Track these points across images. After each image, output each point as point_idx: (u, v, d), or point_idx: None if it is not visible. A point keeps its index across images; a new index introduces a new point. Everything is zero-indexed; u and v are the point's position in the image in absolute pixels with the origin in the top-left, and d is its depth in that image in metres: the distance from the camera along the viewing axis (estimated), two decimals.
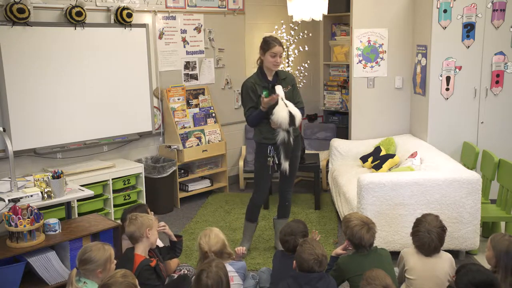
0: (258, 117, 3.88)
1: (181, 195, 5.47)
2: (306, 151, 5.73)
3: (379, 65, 5.48)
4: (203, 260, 3.04)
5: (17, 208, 2.93)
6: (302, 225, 3.26)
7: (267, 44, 3.85)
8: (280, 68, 4.05)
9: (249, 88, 3.91)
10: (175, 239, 3.37)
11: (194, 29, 5.66)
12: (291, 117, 3.79)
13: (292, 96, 3.96)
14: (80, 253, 2.72)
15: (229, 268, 3.06)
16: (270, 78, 3.94)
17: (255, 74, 3.99)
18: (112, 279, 2.46)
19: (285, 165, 3.90)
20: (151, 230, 3.08)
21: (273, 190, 5.57)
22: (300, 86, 6.44)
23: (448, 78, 4.90)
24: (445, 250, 3.14)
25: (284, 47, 6.18)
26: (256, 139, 4.03)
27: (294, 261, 2.85)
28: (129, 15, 4.89)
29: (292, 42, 6.15)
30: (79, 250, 2.77)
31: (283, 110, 3.78)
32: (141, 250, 3.06)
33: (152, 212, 3.55)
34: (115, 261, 2.82)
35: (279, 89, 3.85)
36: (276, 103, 3.79)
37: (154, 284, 3.00)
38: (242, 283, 3.15)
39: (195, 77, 5.74)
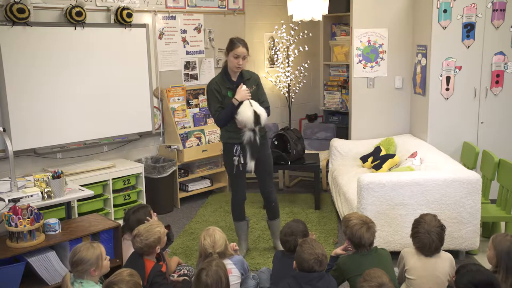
0: (228, 112, 3.84)
1: (181, 195, 5.47)
2: (306, 151, 5.74)
3: (379, 65, 5.48)
4: (203, 260, 3.04)
5: (17, 208, 2.93)
6: (302, 225, 3.26)
7: (231, 44, 3.82)
8: (246, 69, 4.03)
9: (214, 88, 3.88)
10: (166, 231, 3.39)
11: (194, 29, 5.66)
12: (256, 116, 3.78)
13: (257, 95, 3.94)
14: (70, 256, 2.72)
15: (226, 261, 3.10)
16: (234, 79, 3.91)
17: (219, 74, 3.96)
18: (119, 277, 2.46)
19: (251, 165, 3.88)
20: (158, 246, 3.09)
21: None
22: (300, 86, 6.45)
23: (448, 78, 4.91)
24: (445, 250, 3.14)
25: (284, 47, 6.21)
26: (223, 139, 4.02)
27: (294, 261, 2.86)
28: (129, 15, 4.89)
29: (292, 42, 6.15)
30: None
31: (248, 110, 3.78)
32: (149, 257, 3.08)
33: (155, 213, 3.55)
34: (107, 257, 2.82)
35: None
36: (241, 103, 3.80)
37: None
38: (239, 275, 3.16)
39: (195, 77, 5.74)
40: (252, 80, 3.96)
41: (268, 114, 3.97)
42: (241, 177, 4.05)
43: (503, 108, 4.99)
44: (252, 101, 3.84)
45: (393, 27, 5.39)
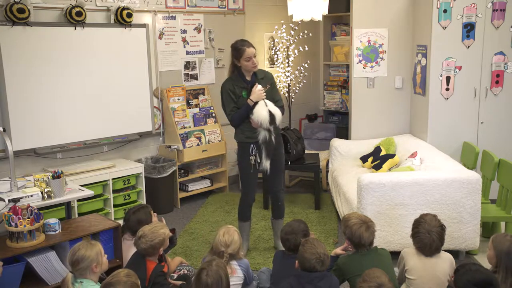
0: (244, 113, 3.86)
1: (181, 195, 5.47)
2: (306, 151, 5.74)
3: (379, 65, 5.48)
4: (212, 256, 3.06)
5: (17, 208, 2.93)
6: (303, 225, 3.27)
7: (239, 50, 3.82)
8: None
9: (229, 89, 3.90)
10: (171, 234, 3.39)
11: (194, 29, 5.66)
12: (271, 116, 3.80)
13: (271, 94, 3.95)
14: (69, 256, 2.72)
15: (233, 262, 3.11)
16: (248, 78, 3.93)
17: (233, 75, 3.96)
18: (116, 278, 2.45)
19: (266, 164, 3.90)
20: (162, 247, 3.09)
21: None
22: (300, 86, 6.45)
23: (448, 78, 4.91)
24: (445, 250, 3.14)
25: (284, 47, 6.21)
26: (238, 139, 4.02)
27: (297, 261, 2.86)
28: (129, 15, 4.89)
29: (292, 42, 6.15)
30: None
31: (263, 110, 3.80)
32: (151, 257, 3.08)
33: (155, 213, 3.55)
34: (106, 255, 2.83)
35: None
36: (256, 103, 3.81)
37: None
38: (242, 276, 3.16)
39: (195, 77, 5.74)
40: (266, 79, 3.97)
41: (282, 113, 3.99)
42: (254, 177, 4.07)
43: (503, 108, 4.99)
44: (266, 100, 3.85)
45: (393, 27, 5.39)
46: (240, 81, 3.90)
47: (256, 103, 3.82)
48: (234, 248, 3.11)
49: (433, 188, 3.84)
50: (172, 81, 5.52)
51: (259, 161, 3.95)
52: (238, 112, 3.88)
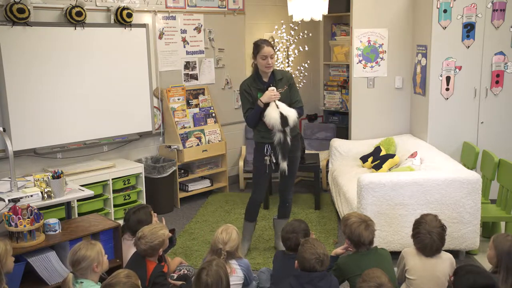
0: (255, 114, 3.88)
1: (181, 195, 5.47)
2: (306, 151, 5.73)
3: (379, 65, 5.48)
4: (212, 255, 3.06)
5: (17, 208, 2.93)
6: (304, 224, 3.28)
7: (256, 47, 3.86)
8: (277, 68, 4.04)
9: (244, 90, 3.93)
10: (170, 234, 3.39)
11: (194, 29, 5.66)
12: (283, 118, 3.79)
13: (289, 96, 3.95)
14: (70, 256, 2.72)
15: (232, 261, 3.12)
16: (265, 79, 3.94)
17: (251, 76, 3.99)
18: (116, 279, 2.45)
19: (283, 165, 3.91)
20: (161, 248, 3.10)
21: (273, 190, 5.58)
22: (300, 86, 6.45)
23: (448, 78, 4.91)
24: (445, 250, 3.14)
25: (284, 47, 6.21)
26: (255, 139, 4.05)
27: (296, 261, 2.86)
28: (129, 15, 4.89)
29: (292, 42, 6.15)
30: None
31: (274, 112, 3.80)
32: (151, 258, 3.09)
33: (155, 214, 3.55)
34: (106, 255, 2.83)
35: None
36: (269, 104, 3.81)
37: None
38: (242, 276, 3.17)
39: (195, 77, 5.74)
40: (284, 80, 3.96)
41: (301, 114, 3.98)
42: (266, 178, 4.08)
43: (503, 108, 4.99)
44: (279, 102, 3.83)
45: (393, 27, 5.39)
46: (256, 82, 3.92)
47: (267, 105, 3.82)
48: (232, 246, 3.11)
49: (433, 188, 3.84)
50: (172, 81, 5.52)
51: (274, 161, 3.95)
52: (251, 113, 3.90)
